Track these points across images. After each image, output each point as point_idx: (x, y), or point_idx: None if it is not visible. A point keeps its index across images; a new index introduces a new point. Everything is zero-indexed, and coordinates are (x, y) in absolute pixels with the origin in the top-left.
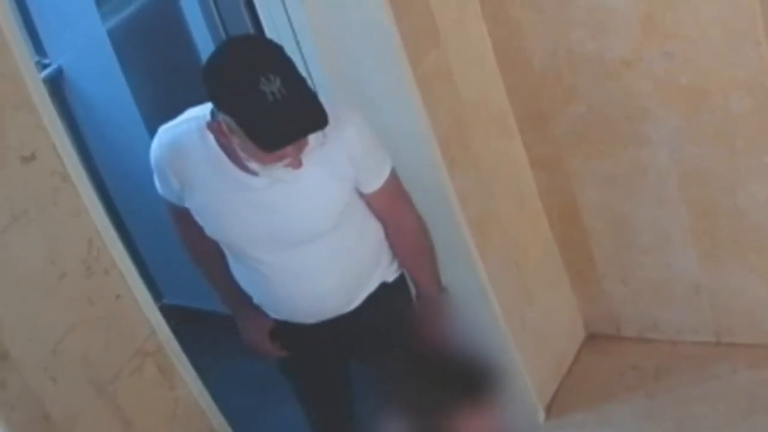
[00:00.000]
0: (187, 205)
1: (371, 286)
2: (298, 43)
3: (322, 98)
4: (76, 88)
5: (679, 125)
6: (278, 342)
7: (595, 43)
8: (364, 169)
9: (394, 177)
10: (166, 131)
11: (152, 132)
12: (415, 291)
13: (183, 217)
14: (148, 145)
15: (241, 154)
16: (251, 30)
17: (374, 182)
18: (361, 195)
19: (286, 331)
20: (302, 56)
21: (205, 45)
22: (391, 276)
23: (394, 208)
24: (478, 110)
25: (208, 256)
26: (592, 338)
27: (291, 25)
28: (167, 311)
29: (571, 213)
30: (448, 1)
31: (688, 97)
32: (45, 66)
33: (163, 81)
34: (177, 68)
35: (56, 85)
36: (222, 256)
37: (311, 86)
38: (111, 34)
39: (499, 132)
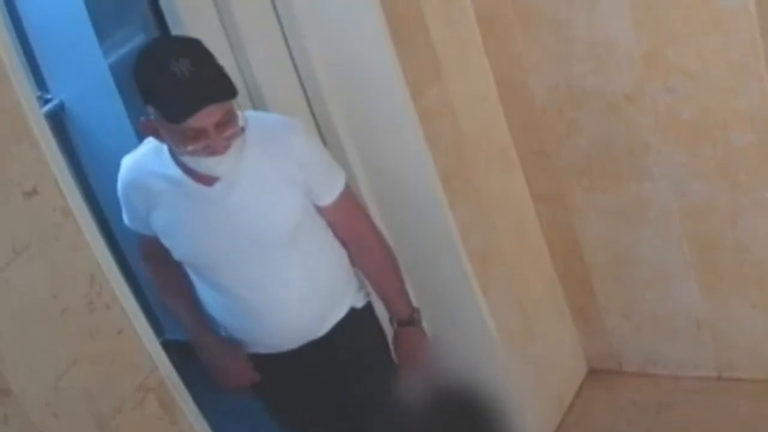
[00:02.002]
0: (153, 228)
1: (341, 311)
2: (300, 78)
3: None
4: (78, 122)
5: (681, 160)
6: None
7: (596, 78)
8: (314, 176)
9: (349, 192)
10: (128, 158)
11: None
12: (388, 312)
13: (151, 249)
14: None
15: (173, 149)
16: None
17: (328, 194)
18: (320, 211)
19: (261, 367)
20: (304, 90)
21: None
22: (359, 302)
23: (352, 223)
24: (479, 145)
25: (177, 289)
26: (593, 373)
27: (293, 61)
28: (169, 346)
29: (573, 247)
30: (450, 35)
31: (690, 132)
32: (47, 101)
33: None
34: None
35: (58, 120)
36: (190, 289)
37: (221, 66)
38: (113, 68)
39: (501, 166)
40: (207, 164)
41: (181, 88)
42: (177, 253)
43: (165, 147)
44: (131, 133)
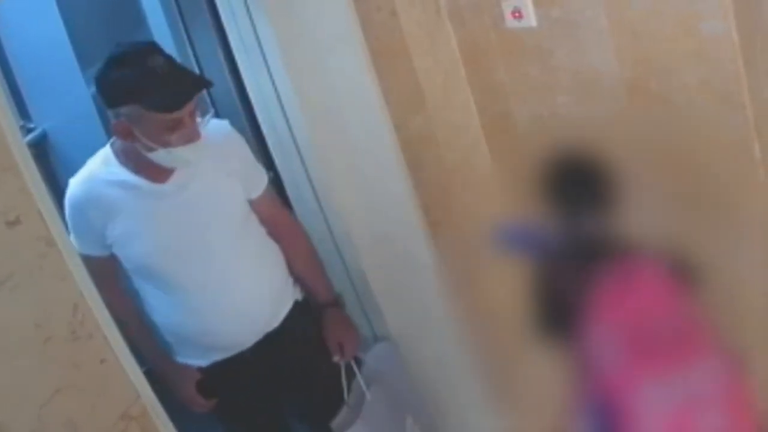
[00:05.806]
0: (109, 241)
1: (288, 303)
2: (282, 107)
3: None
4: (61, 152)
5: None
6: (210, 394)
7: (579, 107)
8: (249, 169)
9: (271, 187)
10: (75, 179)
11: None
12: (315, 302)
13: (101, 274)
14: None
15: (146, 144)
16: (236, 97)
17: (258, 186)
18: (252, 205)
19: (217, 376)
20: (287, 120)
21: None
22: (298, 295)
23: (278, 214)
24: (462, 175)
25: (128, 313)
26: None
27: (276, 91)
28: (152, 376)
29: None
30: (433, 65)
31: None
32: (29, 130)
33: None
34: None
35: (41, 150)
36: (141, 315)
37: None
38: (95, 98)
39: (483, 197)
40: (181, 155)
41: (166, 82)
42: (133, 260)
43: (111, 156)
44: None
